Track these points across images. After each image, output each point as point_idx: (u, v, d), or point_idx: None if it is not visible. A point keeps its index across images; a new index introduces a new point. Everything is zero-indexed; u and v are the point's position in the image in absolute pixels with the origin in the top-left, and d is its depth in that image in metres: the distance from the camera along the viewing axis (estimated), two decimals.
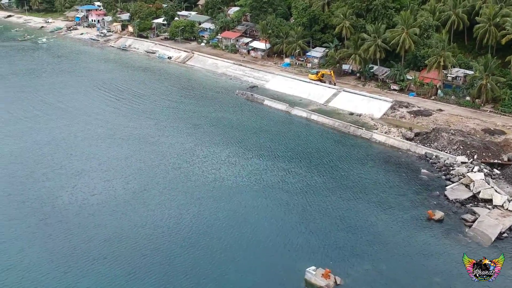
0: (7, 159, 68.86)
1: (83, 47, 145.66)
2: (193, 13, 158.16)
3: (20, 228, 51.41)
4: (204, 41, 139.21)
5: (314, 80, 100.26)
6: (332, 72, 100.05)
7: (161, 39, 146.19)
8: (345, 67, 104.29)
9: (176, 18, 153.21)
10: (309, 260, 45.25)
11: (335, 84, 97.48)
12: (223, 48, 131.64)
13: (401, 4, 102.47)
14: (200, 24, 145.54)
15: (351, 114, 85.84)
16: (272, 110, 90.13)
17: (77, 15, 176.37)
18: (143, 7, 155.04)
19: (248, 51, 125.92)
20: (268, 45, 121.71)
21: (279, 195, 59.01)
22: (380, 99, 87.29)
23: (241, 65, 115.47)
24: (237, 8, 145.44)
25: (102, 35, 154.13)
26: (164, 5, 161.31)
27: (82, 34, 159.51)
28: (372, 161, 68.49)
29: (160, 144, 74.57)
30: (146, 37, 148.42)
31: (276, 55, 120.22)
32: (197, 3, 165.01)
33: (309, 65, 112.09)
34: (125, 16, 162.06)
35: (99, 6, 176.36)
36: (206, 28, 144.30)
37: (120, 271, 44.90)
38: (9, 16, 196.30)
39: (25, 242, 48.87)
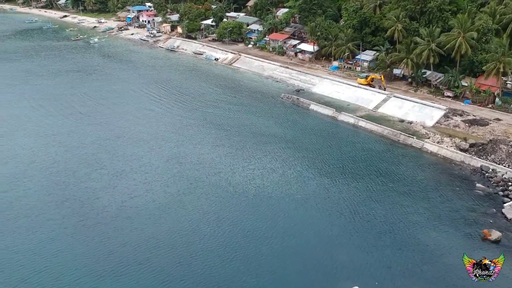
0: (52, 157, 69.55)
1: (132, 47, 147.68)
2: (241, 14, 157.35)
3: (57, 229, 51.26)
4: (252, 42, 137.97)
5: (363, 84, 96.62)
6: (382, 76, 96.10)
7: (209, 40, 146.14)
8: (396, 71, 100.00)
9: (225, 20, 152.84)
10: (352, 280, 42.47)
11: (385, 89, 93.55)
12: (270, 50, 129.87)
13: (458, 6, 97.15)
14: (248, 25, 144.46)
15: (402, 121, 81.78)
16: (318, 115, 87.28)
17: (129, 16, 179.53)
18: (192, 8, 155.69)
19: (296, 53, 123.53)
20: (316, 48, 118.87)
21: (322, 205, 56.39)
22: (433, 106, 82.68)
23: (287, 67, 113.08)
24: (286, 10, 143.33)
25: (151, 35, 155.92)
26: (213, 6, 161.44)
27: (132, 34, 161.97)
28: (422, 173, 64.49)
29: (201, 147, 73.44)
30: (195, 38, 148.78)
31: (324, 57, 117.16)
32: (246, 4, 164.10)
33: (358, 68, 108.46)
34: (175, 17, 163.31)
35: (150, 7, 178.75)
36: (254, 30, 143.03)
37: (154, 278, 43.71)
38: (65, 16, 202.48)
39: (61, 244, 48.55)
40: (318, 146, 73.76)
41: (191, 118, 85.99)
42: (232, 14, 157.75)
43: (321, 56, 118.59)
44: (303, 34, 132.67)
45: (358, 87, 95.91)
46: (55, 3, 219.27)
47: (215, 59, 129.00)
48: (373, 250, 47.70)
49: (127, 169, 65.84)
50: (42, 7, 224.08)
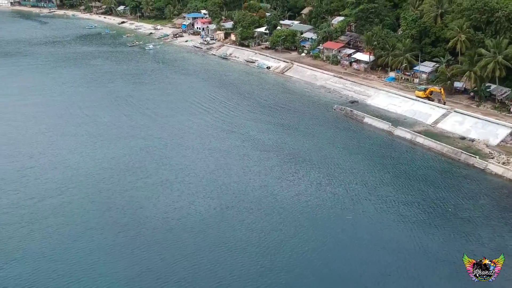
0: (99, 163, 69.48)
1: (186, 54, 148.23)
2: (295, 22, 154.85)
3: (97, 239, 50.38)
4: (305, 51, 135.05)
5: (421, 97, 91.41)
6: (442, 89, 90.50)
7: (262, 48, 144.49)
8: (457, 84, 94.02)
9: (279, 27, 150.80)
10: None
11: (444, 103, 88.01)
12: (324, 59, 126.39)
13: None
14: (302, 33, 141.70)
15: (463, 138, 76.17)
16: (372, 129, 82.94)
17: (184, 23, 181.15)
18: (246, 15, 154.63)
19: (350, 63, 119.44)
20: (372, 57, 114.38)
21: (373, 228, 52.56)
22: (498, 123, 76.55)
23: (341, 77, 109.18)
24: (341, 18, 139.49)
25: (205, 42, 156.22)
26: (268, 14, 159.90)
27: (186, 41, 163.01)
28: (486, 197, 59.13)
29: (247, 158, 71.24)
30: (248, 46, 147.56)
31: (380, 68, 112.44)
32: (301, 12, 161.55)
33: (416, 80, 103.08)
34: (229, 24, 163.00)
35: (205, 14, 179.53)
36: (308, 38, 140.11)
37: None
38: (123, 22, 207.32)
39: (99, 255, 47.54)
40: (372, 162, 69.69)
41: (239, 128, 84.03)
42: (286, 22, 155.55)
43: (377, 67, 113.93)
44: (358, 43, 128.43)
45: (415, 100, 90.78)
46: (114, 10, 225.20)
47: (267, 67, 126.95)
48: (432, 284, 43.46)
49: (171, 178, 64.56)
50: (102, 13, 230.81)
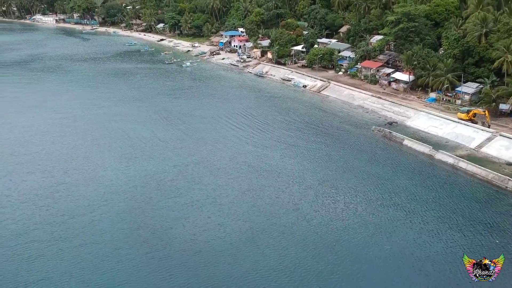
0: (131, 181, 69.05)
1: (222, 72, 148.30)
2: (333, 40, 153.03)
3: (124, 259, 49.34)
4: (342, 69, 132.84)
5: (464, 119, 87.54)
6: (486, 112, 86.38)
7: (298, 66, 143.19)
8: (503, 107, 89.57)
9: (316, 46, 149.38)
10: None
11: (489, 126, 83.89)
12: (362, 78, 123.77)
13: None
14: (339, 52, 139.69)
15: (510, 164, 71.90)
16: (412, 152, 79.43)
17: (221, 40, 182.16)
18: (283, 34, 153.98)
19: (389, 83, 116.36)
20: (412, 77, 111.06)
21: (413, 260, 49.50)
22: None
23: (380, 97, 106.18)
24: (380, 37, 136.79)
25: (241, 60, 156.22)
26: (305, 32, 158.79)
27: (223, 59, 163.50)
28: None
29: (281, 178, 69.37)
30: (284, 64, 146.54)
31: (420, 88, 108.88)
32: (339, 31, 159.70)
33: (459, 102, 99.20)
34: (265, 42, 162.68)
35: (242, 32, 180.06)
36: (346, 57, 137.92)
37: None
38: (162, 39, 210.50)
39: (125, 277, 46.42)
40: (412, 188, 66.42)
41: (274, 147, 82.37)
42: (324, 40, 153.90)
43: (417, 87, 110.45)
44: (397, 62, 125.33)
45: (458, 122, 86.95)
46: (154, 27, 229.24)
47: (303, 86, 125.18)
48: None
49: (202, 198, 63.31)
50: (142, 31, 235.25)
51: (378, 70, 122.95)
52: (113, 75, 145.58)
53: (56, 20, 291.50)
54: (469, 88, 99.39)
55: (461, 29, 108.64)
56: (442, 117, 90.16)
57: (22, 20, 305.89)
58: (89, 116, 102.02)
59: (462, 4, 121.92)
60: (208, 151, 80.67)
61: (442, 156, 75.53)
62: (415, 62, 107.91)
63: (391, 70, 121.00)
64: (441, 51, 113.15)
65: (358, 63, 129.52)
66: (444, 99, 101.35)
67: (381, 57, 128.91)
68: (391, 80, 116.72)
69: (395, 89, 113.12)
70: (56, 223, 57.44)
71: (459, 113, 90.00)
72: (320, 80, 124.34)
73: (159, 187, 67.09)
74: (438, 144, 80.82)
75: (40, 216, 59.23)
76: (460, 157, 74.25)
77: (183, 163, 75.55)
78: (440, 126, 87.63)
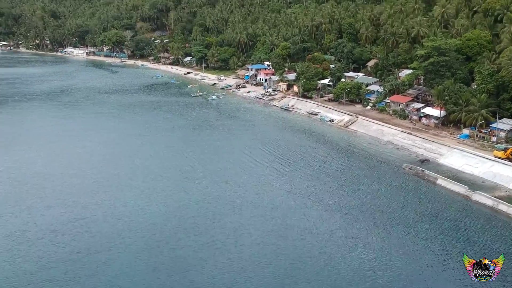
0: (151, 218, 66.64)
1: (247, 105, 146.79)
2: (360, 74, 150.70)
3: None
4: (370, 104, 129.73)
5: (501, 158, 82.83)
6: None
7: (325, 100, 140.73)
8: None
9: (343, 79, 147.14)
10: None
11: None
12: (391, 112, 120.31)
13: None
14: (367, 86, 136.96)
15: None
16: (446, 192, 74.81)
17: (247, 74, 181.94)
18: (310, 67, 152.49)
19: (419, 118, 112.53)
20: (443, 113, 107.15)
21: None
22: None
23: (410, 133, 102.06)
24: (409, 71, 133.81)
25: (267, 94, 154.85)
26: (332, 66, 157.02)
27: (249, 92, 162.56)
28: None
29: (306, 219, 65.96)
30: (310, 98, 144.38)
31: (452, 124, 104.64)
32: (366, 65, 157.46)
33: (494, 139, 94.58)
34: (292, 75, 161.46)
35: (268, 66, 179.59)
36: (373, 91, 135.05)
37: None
38: (188, 72, 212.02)
39: None
40: (448, 232, 61.85)
41: (299, 184, 79.07)
42: (351, 74, 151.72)
43: (449, 122, 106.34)
44: (428, 97, 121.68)
45: (495, 161, 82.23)
46: (181, 60, 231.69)
47: (330, 120, 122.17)
48: None
49: (222, 238, 60.26)
50: (170, 64, 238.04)
51: (407, 105, 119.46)
52: (140, 107, 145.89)
53: (87, 52, 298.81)
54: (505, 125, 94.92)
55: (495, 64, 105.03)
56: (477, 155, 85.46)
57: (54, 53, 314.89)
58: (112, 149, 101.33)
59: (495, 39, 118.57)
60: (231, 186, 78.06)
61: (480, 197, 70.66)
62: (447, 97, 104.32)
63: (421, 105, 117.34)
64: (473, 86, 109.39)
65: (387, 98, 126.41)
66: (478, 136, 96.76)
67: (410, 91, 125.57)
68: (422, 115, 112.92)
69: (426, 125, 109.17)
70: (71, 261, 55.13)
71: (495, 151, 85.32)
72: (348, 114, 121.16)
73: (180, 224, 64.50)
74: (474, 184, 76.02)
75: (56, 254, 57.11)
76: (499, 198, 69.36)
77: (206, 199, 72.99)
78: (476, 164, 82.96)
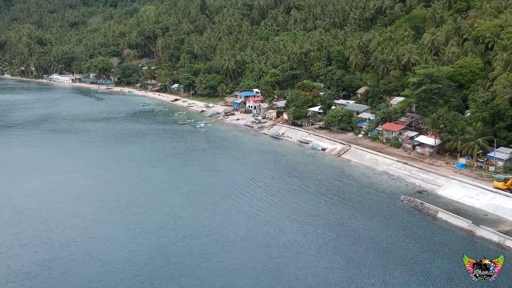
0: (133, 258, 61.93)
1: (237, 133, 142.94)
2: (351, 102, 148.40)
3: None
4: (362, 132, 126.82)
5: (502, 189, 79.64)
6: None
7: (316, 128, 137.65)
8: None
9: (333, 107, 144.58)
10: None
11: None
12: (384, 141, 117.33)
13: None
14: (358, 113, 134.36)
15: None
16: (449, 227, 70.85)
17: (236, 101, 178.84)
18: (300, 95, 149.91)
19: (414, 147, 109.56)
20: (438, 141, 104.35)
21: None
22: None
23: (406, 163, 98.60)
24: (401, 98, 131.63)
25: (257, 121, 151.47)
26: (321, 93, 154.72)
27: (238, 119, 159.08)
28: None
29: (299, 256, 62.11)
30: (300, 126, 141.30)
31: (448, 153, 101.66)
32: (356, 92, 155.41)
33: (492, 168, 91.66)
34: (281, 103, 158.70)
35: (257, 93, 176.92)
36: (365, 119, 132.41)
37: None
38: (176, 100, 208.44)
39: None
40: (453, 272, 57.70)
41: (291, 218, 74.95)
42: (341, 101, 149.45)
43: (444, 151, 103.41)
44: (421, 125, 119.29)
45: (496, 192, 78.91)
46: (169, 87, 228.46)
47: (322, 149, 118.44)
48: None
49: (210, 279, 55.45)
50: (157, 91, 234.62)
51: (400, 133, 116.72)
52: (125, 135, 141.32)
53: (73, 79, 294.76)
54: (502, 154, 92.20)
55: (489, 91, 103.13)
56: (477, 186, 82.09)
57: (39, 80, 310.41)
58: (95, 181, 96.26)
59: (487, 66, 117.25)
60: (220, 222, 73.64)
61: (485, 232, 66.78)
62: (442, 126, 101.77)
63: (414, 133, 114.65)
64: (467, 114, 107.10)
65: (379, 126, 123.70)
66: (476, 165, 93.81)
67: (402, 119, 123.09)
68: (416, 143, 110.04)
69: (421, 154, 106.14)
70: None
71: (495, 182, 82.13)
72: (340, 143, 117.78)
73: (164, 264, 59.75)
74: (477, 217, 72.33)
75: None
76: (505, 233, 65.60)
77: (192, 235, 68.57)
78: (476, 196, 79.51)
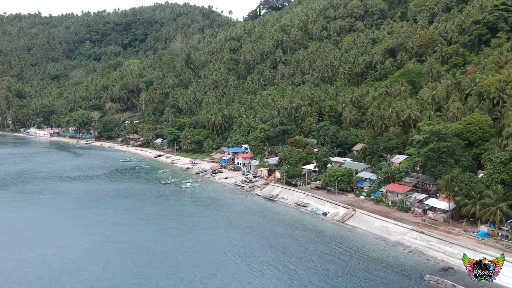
0: None
1: (226, 194, 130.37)
2: (347, 159, 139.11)
3: None
4: (364, 193, 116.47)
5: None
6: None
7: (312, 188, 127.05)
8: None
9: (329, 165, 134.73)
10: None
11: None
12: (389, 204, 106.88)
13: None
14: (357, 173, 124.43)
15: None
16: None
17: (224, 157, 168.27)
18: (293, 152, 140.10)
19: (424, 211, 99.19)
20: (452, 205, 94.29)
21: None
22: None
23: (422, 232, 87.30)
24: (402, 157, 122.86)
25: (247, 180, 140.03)
26: (315, 150, 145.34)
27: (227, 178, 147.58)
28: None
29: None
30: (295, 185, 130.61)
31: (465, 219, 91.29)
32: (352, 149, 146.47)
33: None
34: (273, 160, 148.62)
35: (246, 149, 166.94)
36: (365, 178, 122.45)
37: None
38: (159, 155, 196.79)
39: None
40: None
41: None
42: (337, 159, 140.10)
43: (460, 217, 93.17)
44: (428, 186, 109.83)
45: None
46: (152, 142, 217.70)
47: (323, 213, 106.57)
48: None
49: None
50: (139, 146, 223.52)
51: (407, 195, 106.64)
52: (101, 198, 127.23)
53: (51, 133, 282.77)
54: None
55: (506, 151, 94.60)
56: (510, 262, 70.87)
57: (16, 133, 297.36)
58: (62, 254, 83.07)
59: (496, 123, 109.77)
60: None
61: None
62: (456, 188, 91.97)
63: (423, 195, 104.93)
64: (480, 175, 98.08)
65: (382, 186, 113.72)
66: (500, 234, 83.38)
67: (407, 179, 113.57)
68: (426, 207, 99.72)
69: (433, 219, 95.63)
70: None
71: None
72: (343, 206, 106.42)
73: None
74: None
75: None
76: None
77: None
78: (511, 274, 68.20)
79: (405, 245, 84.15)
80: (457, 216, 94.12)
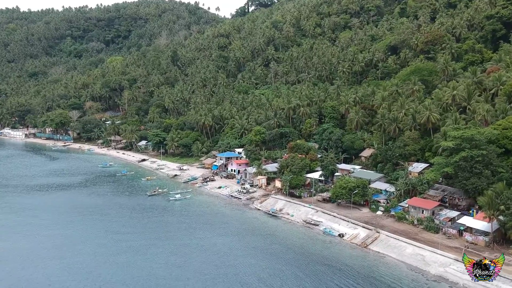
0: None
1: (222, 208, 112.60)
2: (356, 167, 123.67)
3: None
4: (381, 208, 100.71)
5: None
6: None
7: (318, 200, 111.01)
8: None
9: (337, 174, 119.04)
10: None
11: None
12: (415, 222, 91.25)
13: None
14: (369, 183, 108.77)
15: None
16: None
17: (215, 163, 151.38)
18: (296, 158, 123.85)
19: (460, 232, 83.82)
20: (495, 225, 79.13)
21: None
22: None
23: None
24: (422, 165, 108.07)
25: (244, 191, 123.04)
26: (319, 156, 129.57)
27: (220, 187, 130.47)
28: None
29: None
30: (299, 197, 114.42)
31: None
32: (360, 155, 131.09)
33: None
34: (271, 167, 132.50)
35: (240, 154, 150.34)
36: (381, 190, 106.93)
37: None
38: (143, 160, 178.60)
39: None
40: None
41: None
42: (344, 166, 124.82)
43: (504, 240, 78.04)
44: (457, 200, 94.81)
45: None
46: (135, 145, 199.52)
47: (339, 234, 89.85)
48: None
49: None
50: (121, 148, 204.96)
51: (434, 212, 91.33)
52: (75, 214, 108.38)
53: (26, 134, 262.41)
54: None
55: None
56: None
57: None
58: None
59: None
60: None
61: None
62: (502, 207, 76.71)
63: (455, 212, 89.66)
64: None
65: (404, 200, 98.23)
66: None
67: (431, 192, 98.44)
68: (461, 228, 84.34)
69: (471, 243, 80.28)
70: None
71: None
72: (362, 226, 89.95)
73: None
74: None
75: None
76: None
77: None
78: None
79: (450, 281, 67.75)
80: (501, 240, 78.92)
